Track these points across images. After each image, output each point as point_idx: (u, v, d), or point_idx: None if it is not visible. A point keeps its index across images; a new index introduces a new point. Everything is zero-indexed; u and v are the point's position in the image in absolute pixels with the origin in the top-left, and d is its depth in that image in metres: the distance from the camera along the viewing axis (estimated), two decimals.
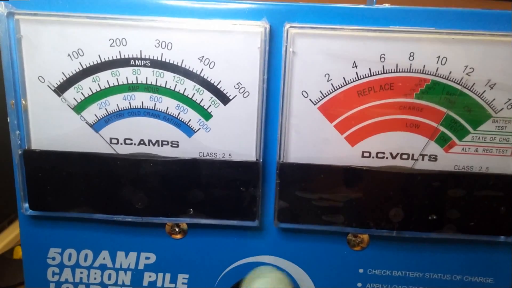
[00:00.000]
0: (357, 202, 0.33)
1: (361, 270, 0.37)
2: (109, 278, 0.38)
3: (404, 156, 0.33)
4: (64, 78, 0.32)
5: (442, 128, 0.32)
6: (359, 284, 0.37)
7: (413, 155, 0.32)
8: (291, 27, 0.30)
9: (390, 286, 0.37)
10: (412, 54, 0.30)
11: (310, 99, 0.32)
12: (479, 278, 0.36)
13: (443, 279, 0.36)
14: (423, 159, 0.32)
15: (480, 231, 0.33)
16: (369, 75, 0.31)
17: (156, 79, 0.32)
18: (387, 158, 0.33)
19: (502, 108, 0.31)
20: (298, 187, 0.33)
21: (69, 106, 0.33)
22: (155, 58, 0.31)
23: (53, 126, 0.33)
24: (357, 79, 0.31)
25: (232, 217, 0.34)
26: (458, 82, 0.30)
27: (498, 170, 0.32)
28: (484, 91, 0.31)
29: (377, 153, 0.33)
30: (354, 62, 0.31)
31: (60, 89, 0.32)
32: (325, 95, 0.32)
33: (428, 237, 0.34)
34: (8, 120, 0.33)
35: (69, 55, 0.32)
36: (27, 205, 0.35)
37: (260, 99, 0.32)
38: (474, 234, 0.33)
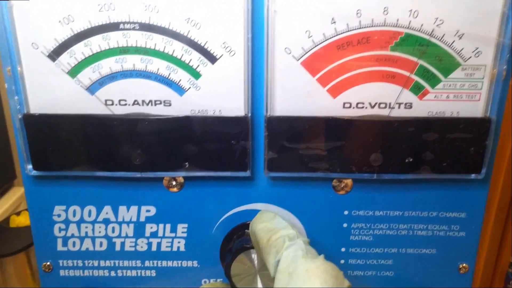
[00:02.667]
0: (340, 150, 0.36)
1: (346, 212, 0.40)
2: (113, 231, 0.41)
3: (382, 105, 0.35)
4: (57, 44, 0.34)
5: (415, 77, 0.34)
6: (345, 225, 0.40)
7: (390, 103, 0.35)
8: None
9: (373, 224, 0.40)
10: (386, 9, 0.32)
11: (293, 55, 0.34)
12: (453, 214, 0.40)
13: (421, 215, 0.40)
14: (399, 107, 0.35)
15: (452, 170, 0.36)
16: (347, 30, 0.33)
17: (146, 41, 0.34)
18: (366, 107, 0.35)
19: (470, 57, 0.33)
20: (285, 138, 0.35)
21: (63, 70, 0.34)
22: (143, 21, 0.33)
23: (50, 90, 0.35)
24: (336, 34, 0.33)
25: (225, 168, 0.37)
26: (429, 34, 0.33)
27: (468, 114, 0.35)
28: (453, 41, 0.33)
29: (357, 103, 0.35)
30: (333, 18, 0.32)
31: (54, 55, 0.34)
32: (306, 51, 0.33)
33: (406, 178, 0.37)
34: (6, 87, 0.35)
35: (60, 21, 0.33)
36: (30, 166, 0.37)
37: (245, 57, 0.34)
38: (447, 174, 0.36)
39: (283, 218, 0.37)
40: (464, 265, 0.41)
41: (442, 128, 0.35)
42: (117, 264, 0.42)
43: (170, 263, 0.42)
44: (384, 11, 0.32)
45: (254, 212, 0.39)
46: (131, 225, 0.41)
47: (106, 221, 0.40)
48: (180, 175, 0.38)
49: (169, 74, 0.34)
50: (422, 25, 0.32)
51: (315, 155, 0.36)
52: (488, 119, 0.35)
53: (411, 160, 0.36)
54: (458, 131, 0.35)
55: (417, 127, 0.35)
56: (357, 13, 0.32)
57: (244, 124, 0.35)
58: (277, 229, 0.35)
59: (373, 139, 0.35)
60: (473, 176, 0.37)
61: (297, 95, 0.35)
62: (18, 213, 0.78)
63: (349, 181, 0.38)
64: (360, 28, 0.33)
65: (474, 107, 0.35)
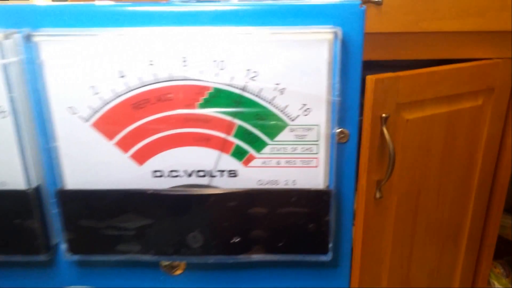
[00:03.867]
0: (151, 229, 0.29)
1: None
2: None
3: (200, 173, 0.28)
4: None
5: (235, 140, 0.27)
6: None
7: (209, 171, 0.28)
8: (30, 34, 0.25)
9: None
10: (185, 59, 0.26)
11: (80, 116, 0.27)
12: None
13: None
14: (222, 175, 0.28)
15: (292, 251, 0.30)
16: (141, 85, 0.26)
17: None
18: (181, 176, 0.28)
19: (298, 115, 0.27)
20: (83, 216, 0.28)
21: None
22: None
23: None
24: (128, 90, 0.26)
25: (15, 252, 0.30)
26: (242, 89, 0.26)
27: (307, 183, 0.29)
28: (274, 97, 0.26)
29: (170, 171, 0.28)
30: (120, 71, 0.26)
31: None
32: (96, 111, 0.27)
33: (236, 261, 0.30)
34: None
35: None
36: None
37: (17, 119, 0.27)
38: (286, 254, 0.30)
39: None
40: None
41: (271, 202, 0.28)
42: None
43: None
44: (184, 62, 0.26)
45: None
46: None
47: None
48: None
49: None
50: (232, 78, 0.26)
51: (121, 236, 0.29)
52: (327, 191, 0.28)
53: (238, 240, 0.29)
54: (290, 205, 0.28)
55: (240, 201, 0.28)
56: (150, 65, 0.26)
57: (27, 199, 0.28)
58: None
59: (188, 216, 0.28)
60: (323, 257, 0.30)
61: (93, 163, 0.28)
62: None
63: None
64: (156, 82, 0.26)
65: (313, 175, 0.28)
